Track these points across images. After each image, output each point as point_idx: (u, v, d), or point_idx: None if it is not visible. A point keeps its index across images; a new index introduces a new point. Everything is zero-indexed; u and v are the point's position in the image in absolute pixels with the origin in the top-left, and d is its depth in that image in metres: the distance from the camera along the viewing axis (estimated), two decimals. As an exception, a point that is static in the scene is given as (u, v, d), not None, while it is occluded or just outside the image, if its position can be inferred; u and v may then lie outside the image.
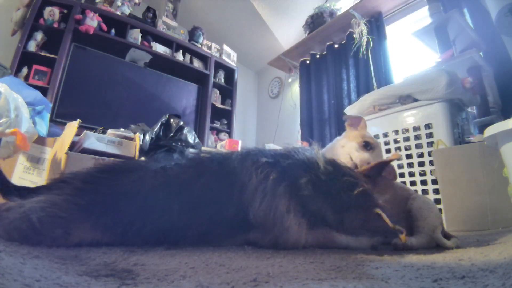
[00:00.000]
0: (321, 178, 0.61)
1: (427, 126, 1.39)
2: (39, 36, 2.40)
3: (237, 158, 0.66)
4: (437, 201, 1.31)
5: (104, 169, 0.64)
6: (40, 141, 1.27)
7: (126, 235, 0.58)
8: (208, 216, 0.60)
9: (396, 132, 1.49)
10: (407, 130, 1.45)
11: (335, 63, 2.98)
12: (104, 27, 2.67)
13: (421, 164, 1.39)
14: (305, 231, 0.60)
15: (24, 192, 0.60)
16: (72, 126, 1.25)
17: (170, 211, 0.59)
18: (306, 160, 0.65)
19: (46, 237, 0.52)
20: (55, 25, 2.45)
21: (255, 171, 0.62)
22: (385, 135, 1.53)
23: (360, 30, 2.65)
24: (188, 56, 3.29)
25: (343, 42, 2.96)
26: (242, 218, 0.60)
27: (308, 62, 3.31)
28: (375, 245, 0.63)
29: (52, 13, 2.44)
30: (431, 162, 1.34)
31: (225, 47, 3.65)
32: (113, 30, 2.74)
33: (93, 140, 1.20)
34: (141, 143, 1.53)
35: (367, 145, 0.87)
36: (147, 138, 1.71)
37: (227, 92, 3.60)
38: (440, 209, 1.28)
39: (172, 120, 1.87)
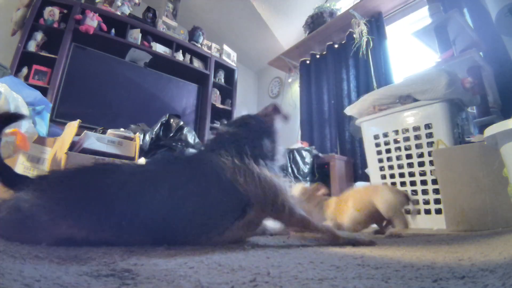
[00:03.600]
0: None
1: (427, 126, 1.39)
2: (39, 36, 2.40)
3: (210, 150, 0.72)
4: (437, 201, 1.31)
5: (82, 169, 0.65)
6: (40, 141, 1.27)
7: (118, 233, 0.59)
8: (200, 209, 0.63)
9: (396, 132, 1.49)
10: (407, 130, 1.45)
11: (335, 63, 2.98)
12: (104, 27, 2.67)
13: (421, 164, 1.39)
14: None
15: (21, 181, 0.62)
16: (72, 126, 1.25)
17: (161, 208, 0.61)
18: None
19: (37, 222, 0.54)
20: (55, 25, 2.45)
21: (222, 155, 0.68)
22: (385, 135, 1.53)
23: (360, 30, 2.66)
24: (188, 56, 3.29)
25: (343, 42, 2.96)
26: (234, 203, 0.65)
27: (308, 62, 3.31)
28: (372, 241, 0.70)
29: (52, 13, 2.44)
30: (431, 162, 1.34)
31: (225, 47, 3.65)
32: (113, 30, 2.74)
33: (93, 140, 1.21)
34: (141, 143, 1.54)
35: None
36: (147, 138, 1.72)
37: (227, 92, 3.60)
38: (440, 209, 1.28)
39: (172, 120, 1.87)
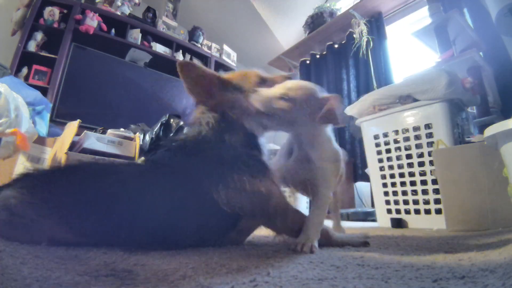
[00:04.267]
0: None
1: (427, 126, 1.39)
2: (39, 36, 2.40)
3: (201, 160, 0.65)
4: (437, 201, 1.31)
5: (71, 168, 0.64)
6: (40, 141, 1.27)
7: (108, 238, 0.57)
8: (194, 218, 0.61)
9: (396, 132, 1.49)
10: (407, 130, 1.45)
11: (335, 63, 2.97)
12: (104, 27, 2.67)
13: (421, 164, 1.39)
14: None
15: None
16: (72, 126, 1.25)
17: (155, 215, 0.58)
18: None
19: (26, 219, 0.53)
20: (55, 25, 2.45)
21: (218, 167, 0.62)
22: (385, 135, 1.53)
23: (360, 30, 2.65)
24: (188, 56, 3.29)
25: (343, 42, 2.96)
26: (224, 215, 0.61)
27: (308, 62, 3.31)
28: (366, 241, 0.69)
29: (52, 13, 2.44)
30: (431, 162, 1.34)
31: (225, 47, 3.65)
32: (113, 30, 2.74)
33: (93, 140, 1.21)
34: (141, 143, 1.54)
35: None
36: (147, 138, 1.71)
37: (227, 92, 3.60)
38: (440, 209, 1.28)
39: (172, 120, 1.87)
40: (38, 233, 0.54)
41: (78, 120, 1.29)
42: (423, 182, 1.37)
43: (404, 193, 1.43)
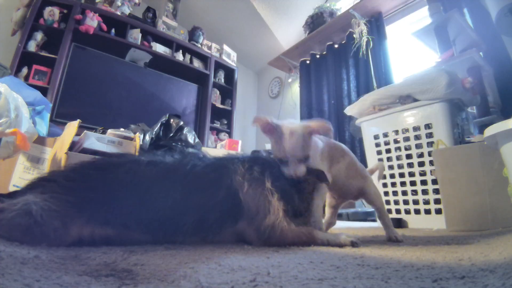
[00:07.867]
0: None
1: (427, 126, 1.39)
2: (39, 36, 2.40)
3: (226, 157, 0.76)
4: (437, 201, 1.31)
5: (91, 165, 0.66)
6: (40, 141, 1.27)
7: (127, 227, 0.60)
8: (201, 207, 0.66)
9: (396, 132, 1.49)
10: (407, 130, 1.45)
11: (335, 63, 2.98)
12: (104, 27, 2.67)
13: (421, 164, 1.39)
14: (284, 219, 0.67)
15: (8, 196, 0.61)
16: (72, 126, 1.25)
17: (165, 203, 0.63)
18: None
19: (47, 228, 0.53)
20: (55, 25, 2.45)
21: (242, 164, 0.71)
22: (385, 135, 1.53)
23: (360, 30, 2.66)
24: (188, 56, 3.29)
25: (343, 42, 2.96)
26: (231, 209, 0.67)
27: (308, 62, 3.31)
28: (354, 241, 0.67)
29: (52, 13, 2.44)
30: (431, 162, 1.34)
31: (225, 47, 3.65)
32: (113, 30, 2.74)
33: (93, 140, 1.20)
34: (141, 143, 1.53)
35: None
36: (147, 138, 1.71)
37: (227, 92, 3.60)
38: (440, 209, 1.28)
39: (172, 120, 1.87)
40: (60, 239, 0.54)
41: (78, 120, 1.29)
42: (423, 182, 1.37)
43: (404, 193, 1.44)
